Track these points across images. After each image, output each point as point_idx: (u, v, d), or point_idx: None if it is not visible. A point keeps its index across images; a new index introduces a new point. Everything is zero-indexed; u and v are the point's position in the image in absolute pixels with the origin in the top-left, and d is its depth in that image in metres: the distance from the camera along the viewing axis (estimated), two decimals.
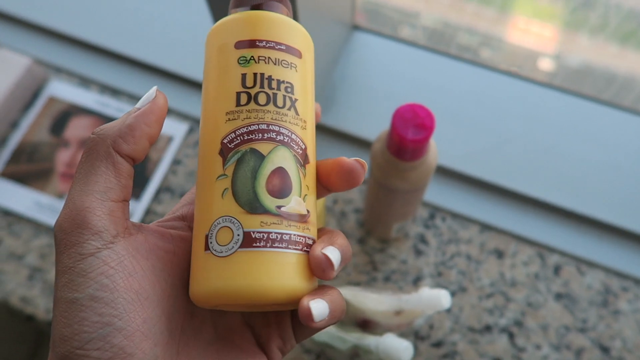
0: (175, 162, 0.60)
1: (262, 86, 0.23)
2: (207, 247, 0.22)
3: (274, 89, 0.23)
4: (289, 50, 0.24)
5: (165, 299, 0.22)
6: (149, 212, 0.57)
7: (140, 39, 0.65)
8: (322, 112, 0.60)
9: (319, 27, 0.50)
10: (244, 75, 0.23)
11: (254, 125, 0.22)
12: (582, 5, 0.56)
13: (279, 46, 0.24)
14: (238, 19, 0.24)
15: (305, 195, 0.23)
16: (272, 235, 0.21)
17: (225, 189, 0.22)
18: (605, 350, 0.50)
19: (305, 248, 0.22)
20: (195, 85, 0.64)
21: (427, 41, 0.62)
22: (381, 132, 0.42)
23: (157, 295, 0.21)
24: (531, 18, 0.61)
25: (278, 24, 0.24)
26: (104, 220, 0.21)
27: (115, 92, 0.63)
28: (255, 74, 0.23)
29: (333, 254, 0.22)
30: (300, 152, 0.23)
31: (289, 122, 0.23)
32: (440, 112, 0.60)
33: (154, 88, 0.23)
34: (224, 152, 0.22)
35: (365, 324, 0.44)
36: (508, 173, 0.57)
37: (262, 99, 0.23)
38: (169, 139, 0.61)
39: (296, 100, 0.24)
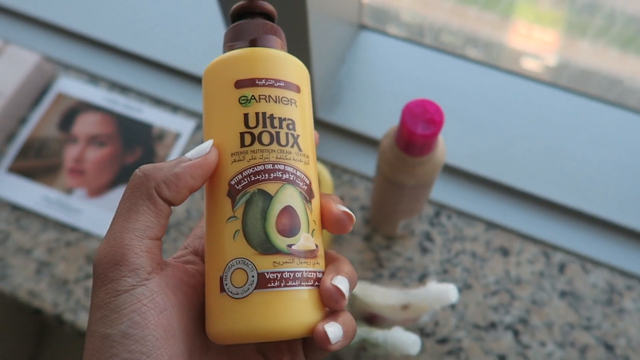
0: None
1: (264, 125, 0.23)
2: (222, 289, 0.22)
3: (276, 127, 0.24)
4: (288, 86, 0.24)
5: (187, 334, 0.22)
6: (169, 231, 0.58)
7: (148, 36, 0.66)
8: (330, 110, 0.60)
9: (326, 26, 0.51)
10: (246, 116, 0.23)
11: (259, 165, 0.23)
12: (583, 10, 0.57)
13: (278, 83, 0.24)
14: (236, 57, 0.24)
15: (313, 230, 0.24)
16: (285, 275, 0.22)
17: (236, 231, 0.22)
18: (609, 348, 0.50)
19: (316, 282, 0.23)
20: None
21: (433, 40, 0.63)
22: (390, 128, 0.43)
23: (181, 332, 0.22)
24: (532, 23, 0.61)
25: (276, 61, 0.24)
26: (142, 258, 0.21)
27: (123, 89, 0.64)
28: (257, 114, 0.23)
29: (342, 284, 0.23)
30: (306, 187, 0.24)
31: (293, 160, 0.24)
32: (446, 111, 0.60)
33: (210, 142, 0.24)
34: (232, 193, 0.23)
35: (373, 319, 0.44)
36: (514, 172, 0.57)
37: (265, 138, 0.23)
38: (176, 136, 0.61)
39: (298, 136, 0.24)
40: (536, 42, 0.62)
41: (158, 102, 0.63)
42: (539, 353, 0.50)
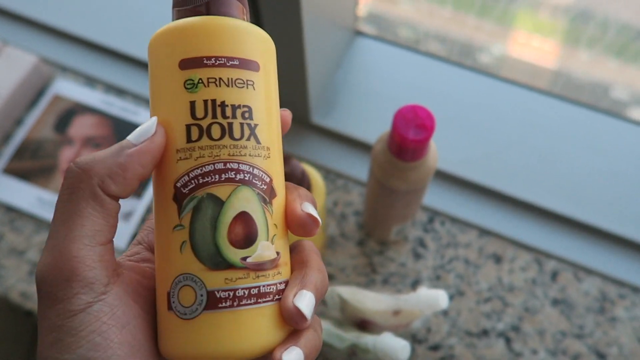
0: None
1: (214, 116, 0.20)
2: (170, 307, 0.20)
3: (228, 117, 0.20)
4: (244, 64, 0.21)
5: (153, 344, 0.20)
6: (150, 210, 0.58)
7: (145, 39, 0.66)
8: (324, 114, 0.61)
9: (321, 32, 0.51)
10: (192, 104, 0.20)
11: (208, 165, 0.20)
12: (579, 20, 0.57)
13: (231, 62, 0.20)
14: (181, 29, 0.20)
15: (274, 235, 0.21)
16: (238, 293, 0.19)
17: (183, 242, 0.20)
18: (601, 356, 0.50)
19: (277, 296, 0.20)
20: None
21: (429, 47, 0.63)
22: (382, 133, 0.43)
23: (147, 343, 0.20)
24: (532, 32, 0.62)
25: (230, 33, 0.20)
26: (95, 270, 0.19)
27: (120, 92, 0.64)
28: (205, 102, 0.20)
29: (305, 302, 0.20)
30: (265, 187, 0.21)
31: (249, 155, 0.20)
32: (441, 118, 0.60)
33: (154, 120, 0.20)
34: (178, 198, 0.20)
35: (364, 324, 0.44)
36: (507, 179, 0.57)
37: (215, 132, 0.20)
38: None
39: (256, 125, 0.21)
40: (535, 51, 0.62)
41: None
42: None
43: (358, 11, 0.62)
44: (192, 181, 0.20)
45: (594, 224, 0.55)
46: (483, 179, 0.57)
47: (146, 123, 0.20)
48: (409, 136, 0.38)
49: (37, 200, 0.58)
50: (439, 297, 0.38)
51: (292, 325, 0.20)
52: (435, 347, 0.51)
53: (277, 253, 0.21)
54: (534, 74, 0.62)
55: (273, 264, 0.20)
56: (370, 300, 0.42)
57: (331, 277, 0.54)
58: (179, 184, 0.20)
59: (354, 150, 0.60)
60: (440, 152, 0.58)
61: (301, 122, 0.61)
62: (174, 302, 0.20)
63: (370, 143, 0.59)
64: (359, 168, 0.59)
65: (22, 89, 0.62)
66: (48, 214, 0.57)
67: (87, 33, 0.67)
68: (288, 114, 0.23)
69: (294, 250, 0.22)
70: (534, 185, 0.57)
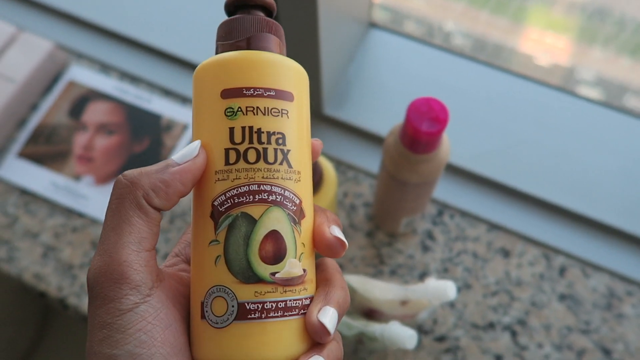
0: None
1: (251, 141, 0.22)
2: (203, 316, 0.21)
3: (263, 143, 0.22)
4: (280, 95, 0.22)
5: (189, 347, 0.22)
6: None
7: (160, 27, 0.67)
8: (337, 106, 0.61)
9: (336, 24, 0.51)
10: (231, 130, 0.22)
11: (244, 186, 0.21)
12: (595, 17, 0.57)
13: (268, 92, 0.22)
14: (224, 62, 0.22)
15: (302, 253, 0.22)
16: (267, 305, 0.21)
17: (218, 256, 0.21)
18: (607, 352, 0.51)
19: (302, 311, 0.22)
20: None
21: (442, 41, 0.63)
22: (395, 125, 0.43)
23: (185, 346, 0.21)
24: (545, 29, 0.61)
25: (267, 66, 0.22)
26: (142, 274, 0.21)
27: (134, 79, 0.65)
28: (243, 128, 0.22)
29: (329, 317, 0.21)
30: (295, 208, 0.22)
31: (281, 178, 0.22)
32: (454, 112, 0.60)
33: (197, 144, 0.22)
34: (215, 215, 0.22)
35: (371, 314, 0.45)
36: (518, 174, 0.57)
37: (251, 156, 0.22)
38: (184, 127, 0.62)
39: (289, 151, 0.22)
40: (548, 48, 0.62)
41: (167, 93, 0.64)
42: (536, 354, 0.51)
43: (373, 4, 0.62)
44: (228, 200, 0.21)
45: (604, 220, 0.55)
46: (493, 173, 0.57)
47: (190, 145, 0.22)
48: (422, 128, 0.38)
49: (51, 184, 0.59)
50: (447, 288, 0.38)
51: (316, 338, 0.21)
52: (441, 339, 0.51)
53: (304, 270, 0.22)
54: (546, 70, 0.62)
55: (300, 280, 0.22)
56: (379, 290, 0.42)
57: (340, 267, 0.54)
58: (216, 203, 0.22)
59: (366, 143, 0.60)
60: (452, 146, 0.59)
61: (314, 114, 0.61)
62: (207, 311, 0.21)
63: (382, 135, 0.59)
64: (370, 160, 0.59)
65: (37, 74, 0.63)
66: (61, 198, 0.58)
67: (102, 20, 0.67)
68: (319, 143, 0.25)
69: (319, 268, 0.24)
70: (544, 181, 0.57)
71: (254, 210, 0.21)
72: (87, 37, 0.67)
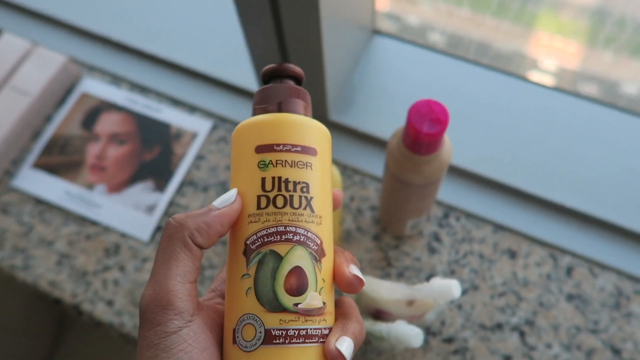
0: (199, 157, 0.62)
1: (279, 189, 0.25)
2: (234, 341, 0.24)
3: (290, 190, 0.25)
4: (305, 150, 0.26)
5: None
6: (172, 204, 0.60)
7: (168, 39, 0.68)
8: (342, 112, 0.62)
9: (340, 32, 0.52)
10: (263, 179, 0.25)
11: (272, 227, 0.25)
12: (603, 20, 0.57)
13: (295, 148, 0.26)
14: (259, 123, 0.26)
15: (322, 288, 0.25)
16: (290, 332, 0.24)
17: (249, 288, 0.24)
18: (616, 352, 0.50)
19: (321, 339, 0.25)
20: (220, 85, 0.66)
21: (445, 46, 0.64)
22: (398, 127, 0.44)
23: None
24: (554, 34, 0.62)
25: (295, 127, 0.26)
26: (185, 302, 0.24)
27: (144, 90, 0.66)
28: (273, 178, 0.25)
29: (345, 346, 0.24)
30: (316, 247, 0.25)
31: (305, 221, 0.25)
32: (458, 115, 0.61)
33: (234, 192, 0.26)
34: (247, 252, 0.25)
35: (378, 314, 0.45)
36: (523, 175, 0.58)
37: (279, 202, 0.25)
38: (194, 135, 0.63)
39: (312, 198, 0.26)
40: (557, 52, 0.62)
41: (176, 102, 0.65)
42: (544, 355, 0.51)
43: (376, 10, 0.63)
44: (259, 240, 0.25)
45: (610, 219, 0.55)
46: (498, 175, 0.58)
47: (228, 193, 0.26)
48: (423, 130, 0.39)
49: (65, 193, 0.61)
50: (452, 286, 0.39)
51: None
52: (449, 340, 0.52)
53: (324, 303, 0.25)
54: (556, 75, 0.63)
55: (319, 311, 0.25)
56: (385, 290, 0.43)
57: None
58: (248, 241, 0.25)
59: (371, 147, 0.61)
60: (457, 149, 0.59)
61: (319, 120, 0.62)
62: (238, 336, 0.24)
63: (387, 140, 0.60)
64: (375, 164, 0.60)
65: (51, 87, 0.65)
66: (75, 207, 0.60)
67: (113, 34, 0.69)
68: (340, 194, 0.28)
69: (338, 304, 0.27)
70: (549, 181, 0.57)
71: (281, 249, 0.25)
72: (98, 51, 0.69)
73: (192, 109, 0.65)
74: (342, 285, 0.26)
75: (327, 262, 0.26)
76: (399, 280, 0.54)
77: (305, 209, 0.25)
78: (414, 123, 0.39)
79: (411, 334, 0.38)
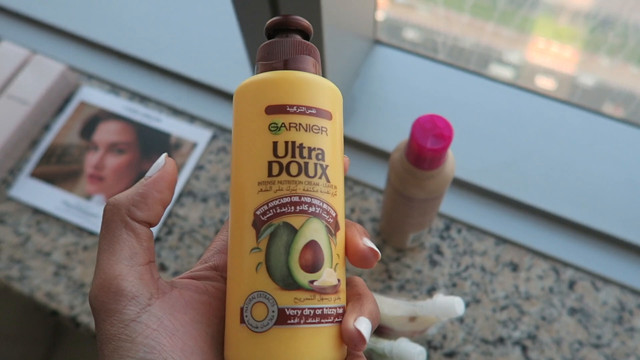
0: (198, 167, 0.61)
1: (293, 155, 0.23)
2: (242, 320, 0.22)
3: (305, 157, 0.23)
4: (320, 113, 0.24)
5: (207, 351, 0.23)
6: (171, 214, 0.59)
7: (169, 48, 0.68)
8: (343, 122, 0.61)
9: (342, 41, 0.52)
10: (275, 144, 0.23)
11: (286, 197, 0.23)
12: (601, 26, 0.57)
13: (309, 110, 0.23)
14: (268, 81, 0.24)
15: (337, 264, 0.23)
16: (305, 312, 0.22)
17: (259, 263, 0.22)
18: None
19: (336, 319, 0.23)
20: (219, 94, 0.66)
21: (446, 56, 0.64)
22: (400, 141, 0.44)
23: (199, 349, 0.22)
24: (551, 39, 0.62)
25: (309, 86, 0.24)
26: (137, 285, 0.21)
27: (143, 99, 0.66)
28: (286, 143, 0.23)
29: (364, 326, 0.22)
30: (332, 220, 0.23)
31: (320, 192, 0.23)
32: (459, 126, 0.61)
33: (163, 156, 0.24)
34: (257, 224, 0.23)
35: (380, 330, 0.45)
36: (525, 187, 0.57)
37: (293, 169, 0.23)
38: (193, 145, 0.63)
39: (327, 166, 0.24)
40: (554, 58, 0.62)
41: (176, 112, 0.65)
42: None
43: (377, 20, 0.63)
44: (271, 210, 0.23)
45: (612, 233, 0.55)
46: (500, 187, 0.57)
47: (158, 159, 0.24)
48: (427, 145, 0.38)
49: (63, 203, 0.60)
50: (455, 304, 0.38)
51: (351, 346, 0.22)
52: (450, 354, 0.51)
53: (338, 280, 0.23)
54: (554, 80, 0.63)
55: (335, 289, 0.23)
56: (387, 306, 0.42)
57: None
58: (258, 212, 0.23)
59: (372, 158, 0.61)
60: (458, 161, 0.59)
61: None
62: (246, 316, 0.22)
63: (388, 151, 0.60)
64: (376, 175, 0.59)
65: (49, 95, 0.64)
66: (73, 217, 0.59)
67: (112, 42, 0.69)
68: (347, 160, 0.26)
69: (350, 283, 0.25)
70: (551, 194, 0.57)
71: (295, 221, 0.22)
72: (97, 59, 0.69)
73: (191, 118, 0.64)
74: (356, 260, 0.24)
75: (341, 237, 0.24)
76: (400, 292, 0.54)
77: (320, 177, 0.23)
78: (417, 138, 0.38)
79: (414, 352, 0.38)
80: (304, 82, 0.24)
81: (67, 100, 0.67)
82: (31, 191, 0.61)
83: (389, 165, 0.44)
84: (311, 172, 0.23)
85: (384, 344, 0.40)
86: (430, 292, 0.54)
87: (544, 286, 0.54)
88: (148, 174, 0.24)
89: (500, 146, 0.60)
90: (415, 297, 0.54)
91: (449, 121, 0.38)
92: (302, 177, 0.23)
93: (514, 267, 0.54)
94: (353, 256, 0.24)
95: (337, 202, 0.24)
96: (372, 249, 0.24)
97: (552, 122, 0.61)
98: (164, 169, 0.23)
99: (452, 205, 0.57)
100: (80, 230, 0.59)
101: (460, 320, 0.52)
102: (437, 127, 0.38)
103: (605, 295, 0.53)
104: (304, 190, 0.23)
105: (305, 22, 0.25)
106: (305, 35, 0.26)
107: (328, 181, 0.23)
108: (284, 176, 0.23)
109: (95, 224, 0.59)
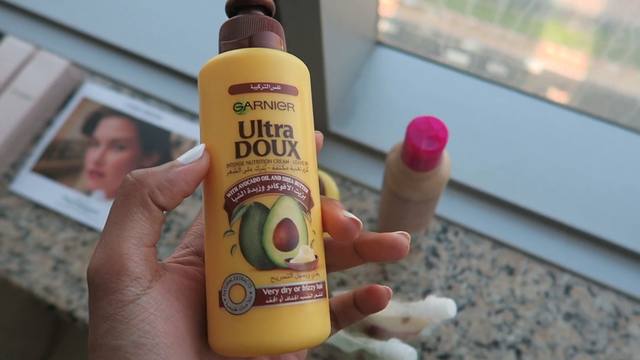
0: None
1: (260, 134, 0.22)
2: (221, 304, 0.22)
3: (272, 135, 0.23)
4: (285, 89, 0.23)
5: (195, 337, 0.22)
6: (169, 212, 0.59)
7: (171, 46, 0.68)
8: (342, 123, 0.62)
9: (342, 43, 0.52)
10: (241, 124, 0.23)
11: (255, 177, 0.22)
12: (608, 31, 0.57)
13: (274, 87, 0.23)
14: (230, 60, 0.23)
15: (313, 240, 0.23)
16: (283, 290, 0.22)
17: (233, 246, 0.22)
18: None
19: (316, 295, 0.23)
20: None
21: (447, 59, 0.64)
22: (396, 143, 0.44)
23: (189, 336, 0.22)
24: (560, 44, 0.62)
25: (272, 63, 0.23)
26: (141, 267, 0.21)
27: (145, 96, 0.66)
28: (252, 122, 0.22)
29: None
30: (304, 197, 0.23)
31: (291, 169, 0.23)
32: (458, 129, 0.61)
33: (202, 147, 0.23)
34: (229, 206, 0.22)
35: (373, 330, 0.45)
36: (523, 191, 0.57)
37: (261, 148, 0.22)
38: (193, 143, 0.63)
39: (296, 143, 0.23)
40: (563, 63, 0.62)
41: (177, 109, 0.65)
42: None
43: (379, 22, 0.63)
44: (241, 192, 0.22)
45: (610, 238, 0.54)
46: (498, 190, 0.57)
47: (195, 148, 0.23)
48: (422, 147, 0.38)
49: (63, 198, 0.61)
50: (447, 306, 0.38)
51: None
52: (444, 357, 0.51)
53: (316, 256, 0.23)
54: (560, 85, 0.62)
55: (312, 265, 0.23)
56: None
57: (343, 283, 0.54)
58: (229, 194, 0.22)
59: (371, 159, 0.61)
60: (458, 163, 0.59)
61: (319, 130, 0.62)
62: (225, 299, 0.22)
63: (385, 151, 0.60)
64: (374, 176, 0.59)
65: (53, 91, 0.65)
66: (73, 212, 0.60)
67: (116, 39, 0.69)
68: (320, 135, 0.26)
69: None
70: (550, 199, 0.57)
71: (267, 200, 0.22)
72: (100, 56, 0.69)
73: (192, 116, 0.65)
74: (337, 232, 0.23)
75: (315, 212, 0.23)
76: (395, 294, 0.54)
77: (290, 155, 0.23)
78: (412, 140, 0.38)
79: (405, 353, 0.38)
80: (266, 59, 0.23)
81: (70, 96, 0.67)
82: (32, 186, 0.62)
83: (385, 166, 0.44)
84: (280, 149, 0.23)
85: (375, 345, 0.40)
86: (426, 294, 0.54)
87: (540, 291, 0.53)
88: (182, 160, 0.23)
89: (500, 150, 0.60)
90: (410, 298, 0.54)
91: (445, 123, 0.39)
92: (271, 156, 0.22)
93: (510, 271, 0.54)
94: (334, 229, 0.23)
95: (309, 178, 0.23)
96: (352, 219, 0.23)
97: (550, 126, 0.60)
98: (199, 162, 0.23)
99: (450, 207, 0.57)
100: (80, 226, 0.59)
101: (455, 322, 0.52)
102: (432, 128, 0.39)
103: (601, 301, 0.53)
104: (273, 168, 0.22)
105: None
106: (268, 11, 0.25)
107: (298, 158, 0.23)
108: (252, 156, 0.22)
109: (94, 220, 0.59)
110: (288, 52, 0.50)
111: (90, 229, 0.59)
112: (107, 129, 0.64)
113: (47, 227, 0.60)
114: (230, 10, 0.25)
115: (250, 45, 0.24)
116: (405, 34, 0.67)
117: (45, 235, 0.59)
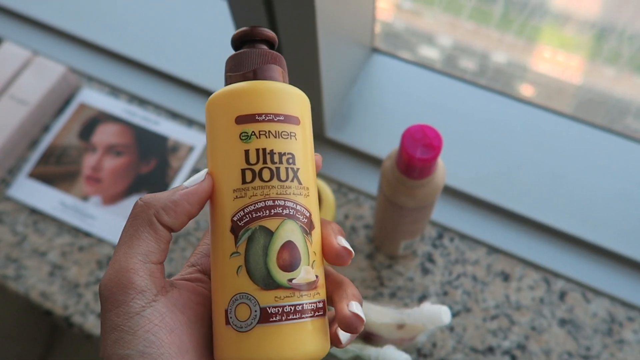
0: (195, 170, 0.62)
1: (265, 162, 0.24)
2: (227, 322, 0.24)
3: (276, 162, 0.24)
4: (288, 119, 0.25)
5: (199, 350, 0.24)
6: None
7: (168, 52, 0.69)
8: (339, 129, 0.62)
9: (338, 50, 0.53)
10: (247, 152, 0.24)
11: (260, 202, 0.24)
12: (604, 35, 0.57)
13: (278, 117, 0.25)
14: (237, 92, 0.25)
15: (313, 261, 0.24)
16: (286, 309, 0.23)
17: (239, 266, 0.24)
18: None
19: (317, 313, 0.24)
20: None
21: (444, 66, 0.64)
22: (392, 150, 0.44)
23: (193, 348, 0.23)
24: (557, 48, 0.62)
25: (276, 94, 0.25)
26: (146, 281, 0.23)
27: (142, 102, 0.66)
28: (257, 150, 0.24)
29: (355, 307, 0.24)
30: (306, 220, 0.25)
31: (293, 194, 0.24)
32: (453, 135, 0.61)
33: (205, 171, 0.25)
34: (235, 230, 0.24)
35: (369, 337, 0.45)
36: (518, 197, 0.58)
37: (266, 175, 0.24)
38: (190, 149, 0.63)
39: (298, 169, 0.25)
40: (560, 67, 0.62)
41: (174, 115, 0.65)
42: None
43: (375, 29, 0.63)
44: (247, 215, 0.24)
45: (604, 245, 0.55)
46: (494, 196, 0.58)
47: (199, 172, 0.25)
48: (417, 155, 0.39)
49: (60, 204, 0.61)
50: (442, 313, 0.38)
51: (351, 329, 0.24)
52: None
53: (316, 276, 0.24)
54: (557, 90, 0.63)
55: (313, 285, 0.24)
56: (375, 313, 0.43)
57: None
58: (235, 218, 0.24)
59: (367, 165, 0.61)
60: (454, 170, 0.59)
61: (316, 136, 0.62)
62: (231, 317, 0.23)
63: (381, 157, 0.60)
64: (371, 183, 0.60)
65: (50, 97, 0.65)
66: (69, 218, 0.60)
67: (113, 45, 0.69)
68: (319, 158, 0.28)
69: (325, 274, 0.26)
70: (545, 205, 0.57)
71: (271, 224, 0.24)
72: (97, 61, 0.70)
73: (189, 122, 0.65)
74: (331, 258, 0.25)
75: (316, 235, 0.25)
76: (391, 300, 0.54)
77: (292, 181, 0.24)
78: (407, 148, 0.39)
79: None
80: (271, 91, 0.25)
81: (67, 102, 0.67)
82: (29, 191, 0.62)
83: (381, 173, 0.45)
84: (283, 176, 0.24)
85: (370, 351, 0.40)
86: (422, 299, 0.54)
87: (535, 296, 0.54)
88: (186, 183, 0.25)
89: (495, 156, 0.60)
90: (406, 304, 0.54)
91: (439, 131, 0.39)
92: (275, 182, 0.24)
93: (505, 277, 0.55)
94: (328, 255, 0.25)
95: (310, 202, 0.25)
96: (345, 247, 0.25)
97: (545, 133, 0.61)
98: (201, 185, 0.25)
99: (445, 213, 0.58)
100: (76, 231, 0.59)
101: (450, 328, 0.53)
102: (426, 137, 0.39)
103: (595, 307, 0.53)
104: (277, 194, 0.24)
105: (270, 33, 0.27)
106: (271, 44, 0.27)
107: (300, 183, 0.25)
108: (257, 182, 0.24)
109: (91, 225, 0.59)
110: (285, 55, 0.50)
111: (87, 234, 0.59)
112: (104, 135, 0.64)
113: (43, 233, 0.60)
114: (236, 43, 0.27)
115: (255, 78, 0.26)
116: (402, 41, 0.67)
117: (41, 240, 0.59)
